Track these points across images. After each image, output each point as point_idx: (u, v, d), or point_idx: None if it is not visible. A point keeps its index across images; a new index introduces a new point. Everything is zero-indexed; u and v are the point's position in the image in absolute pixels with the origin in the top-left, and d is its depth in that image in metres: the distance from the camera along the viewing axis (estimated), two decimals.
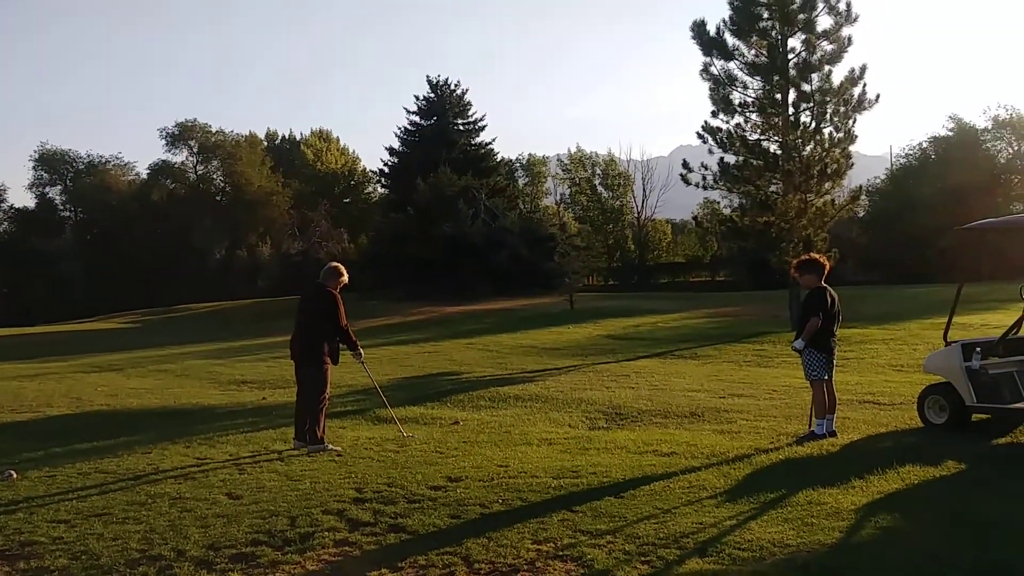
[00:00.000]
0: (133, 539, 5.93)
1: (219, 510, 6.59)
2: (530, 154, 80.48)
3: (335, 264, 9.64)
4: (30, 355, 26.42)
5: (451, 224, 43.03)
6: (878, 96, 20.87)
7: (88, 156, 75.50)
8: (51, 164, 74.51)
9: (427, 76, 57.28)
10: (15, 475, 8.17)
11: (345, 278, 9.42)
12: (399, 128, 58.05)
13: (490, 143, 58.45)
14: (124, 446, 9.67)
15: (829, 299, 8.50)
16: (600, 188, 74.79)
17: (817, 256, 9.05)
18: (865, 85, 20.82)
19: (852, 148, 21.52)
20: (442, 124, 56.15)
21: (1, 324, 48.85)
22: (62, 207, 76.58)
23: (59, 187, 75.78)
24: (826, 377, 8.50)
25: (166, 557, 5.53)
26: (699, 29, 21.48)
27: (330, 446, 8.89)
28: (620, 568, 4.98)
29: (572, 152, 77.18)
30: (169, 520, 6.37)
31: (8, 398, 14.80)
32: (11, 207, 75.84)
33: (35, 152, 74.48)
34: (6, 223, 75.83)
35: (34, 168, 74.29)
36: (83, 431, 10.96)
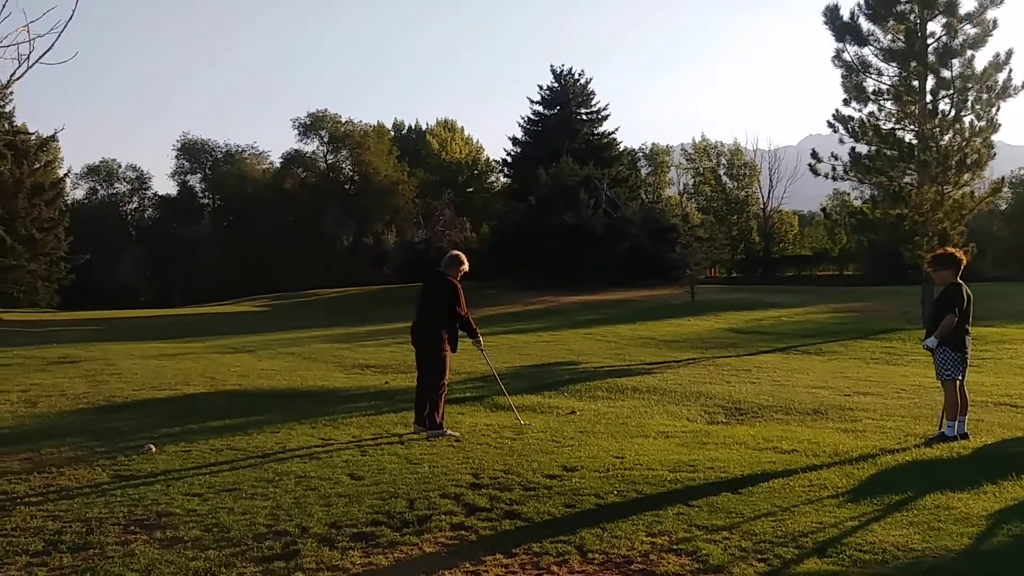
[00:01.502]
0: (260, 514, 6.15)
1: (341, 490, 6.77)
2: (653, 143, 79.77)
3: (456, 252, 9.76)
4: (170, 335, 27.66)
5: (572, 214, 43.01)
6: None
7: (226, 145, 79.01)
8: (192, 153, 78.03)
9: (551, 66, 57.44)
10: (154, 449, 8.58)
11: (466, 266, 9.53)
12: (522, 118, 58.39)
13: (612, 132, 58.21)
14: (254, 425, 10.02)
15: (965, 296, 8.17)
16: (725, 178, 73.43)
17: (953, 250, 8.71)
18: (1011, 71, 19.83)
19: (995, 137, 20.49)
20: (565, 114, 56.14)
21: (145, 305, 51.57)
22: (201, 194, 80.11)
23: (199, 175, 79.36)
24: (960, 377, 8.18)
25: (291, 533, 5.72)
26: (832, 14, 20.82)
27: (448, 431, 9.03)
28: (735, 564, 4.90)
29: (697, 141, 76.03)
30: (294, 497, 6.59)
31: (150, 376, 15.50)
32: (155, 194, 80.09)
33: (177, 141, 78.46)
34: (150, 209, 80.00)
35: (176, 157, 78.18)
36: (217, 409, 11.41)
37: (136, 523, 6.10)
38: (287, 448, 8.57)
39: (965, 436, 8.12)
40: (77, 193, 75.57)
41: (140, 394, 13.20)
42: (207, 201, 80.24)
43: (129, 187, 79.34)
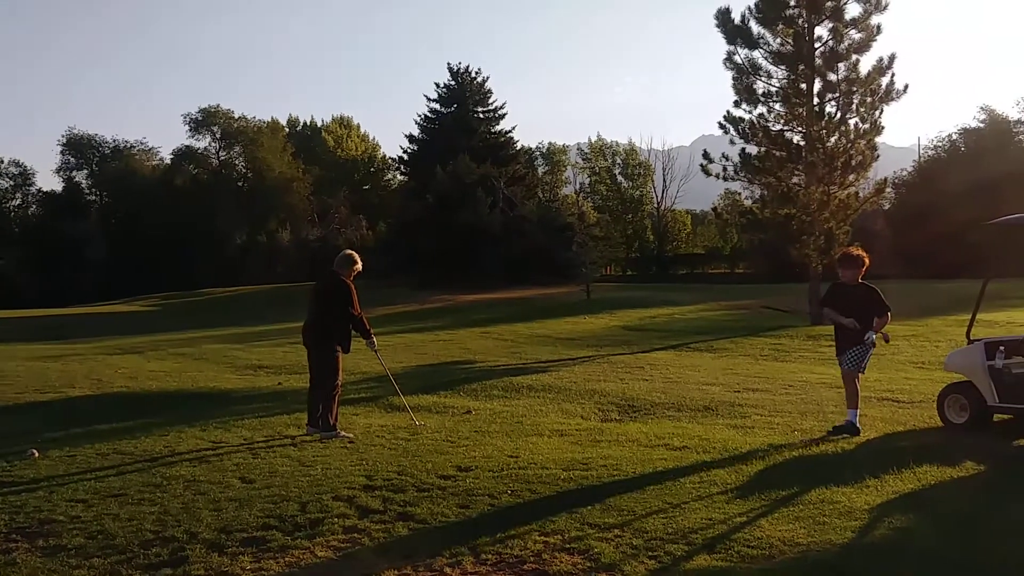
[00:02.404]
0: (148, 520, 6.01)
1: (232, 494, 6.64)
2: (550, 143, 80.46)
3: (349, 251, 9.63)
4: (55, 336, 26.66)
5: (469, 212, 43.03)
6: (906, 87, 20.48)
7: (114, 141, 76.35)
8: (78, 148, 75.19)
9: (448, 63, 57.38)
10: (36, 454, 8.30)
11: (359, 266, 9.41)
12: (419, 116, 58.23)
13: (510, 131, 58.47)
14: (142, 428, 9.75)
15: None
16: (620, 178, 74.54)
17: (861, 251, 8.85)
18: (893, 75, 20.42)
19: (878, 140, 21.15)
20: (462, 112, 56.18)
21: (29, 305, 49.42)
22: (88, 191, 77.29)
23: (85, 171, 76.53)
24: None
25: (179, 539, 5.60)
26: (724, 17, 21.20)
27: (342, 433, 8.91)
28: (627, 562, 4.96)
29: (592, 141, 76.97)
30: (183, 502, 6.45)
31: (33, 378, 14.94)
32: (39, 191, 76.87)
33: (63, 137, 75.41)
34: (34, 206, 76.73)
35: (62, 152, 75.22)
36: (103, 412, 11.07)
37: (17, 531, 5.94)
38: (176, 452, 8.36)
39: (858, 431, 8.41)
40: None
41: (23, 397, 12.79)
42: (94, 198, 77.38)
43: (12, 183, 75.92)
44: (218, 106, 74.01)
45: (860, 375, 8.50)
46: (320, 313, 9.25)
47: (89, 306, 47.80)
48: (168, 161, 75.83)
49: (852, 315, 8.40)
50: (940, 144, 51.43)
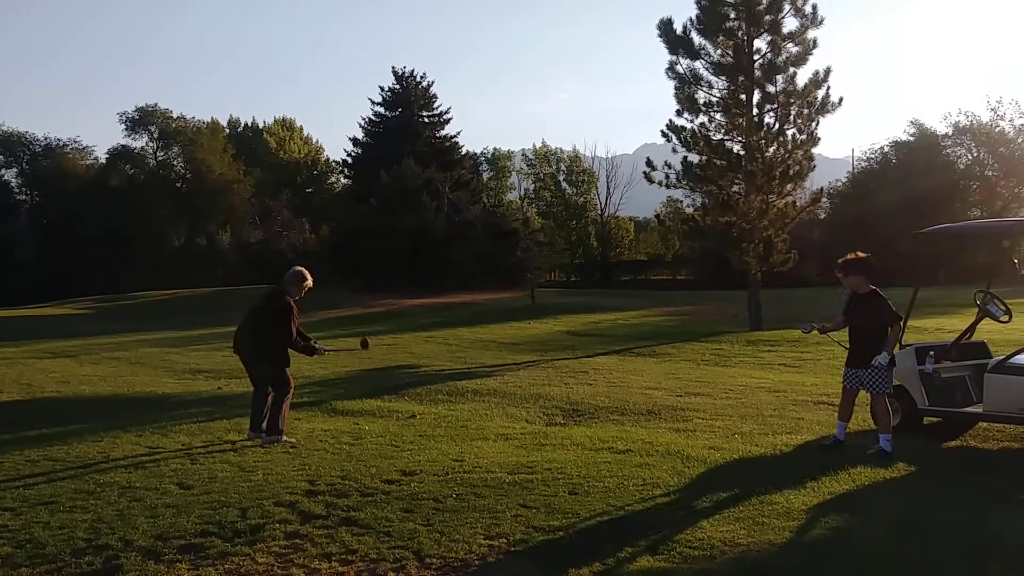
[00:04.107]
0: (80, 528, 5.86)
1: (169, 500, 6.51)
2: (495, 148, 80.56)
3: (299, 269, 9.14)
4: None
5: (414, 217, 42.84)
6: (841, 99, 20.96)
7: (46, 139, 74.24)
8: (7, 146, 73.10)
9: (392, 67, 57.11)
10: None
11: (309, 282, 9.01)
12: (363, 119, 57.90)
13: (455, 136, 58.44)
14: (74, 434, 9.51)
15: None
16: (564, 184, 74.80)
17: (864, 254, 8.02)
18: (829, 88, 20.88)
19: (814, 150, 21.61)
20: (407, 116, 56.00)
21: None
22: (17, 190, 75.13)
23: (15, 170, 74.40)
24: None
25: (113, 547, 5.46)
26: (666, 27, 21.46)
27: (284, 438, 8.79)
28: (571, 565, 4.97)
29: (537, 147, 77.14)
30: (118, 510, 6.30)
31: None
32: None
33: None
34: None
35: None
36: (33, 418, 10.78)
37: None
38: (110, 457, 8.18)
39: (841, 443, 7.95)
40: None
41: None
42: (24, 197, 75.32)
43: None
44: (156, 105, 72.72)
45: (882, 395, 7.75)
46: (253, 327, 8.95)
47: (18, 308, 46.58)
48: (103, 161, 74.15)
49: (863, 326, 7.83)
50: (873, 156, 52.71)
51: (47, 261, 65.31)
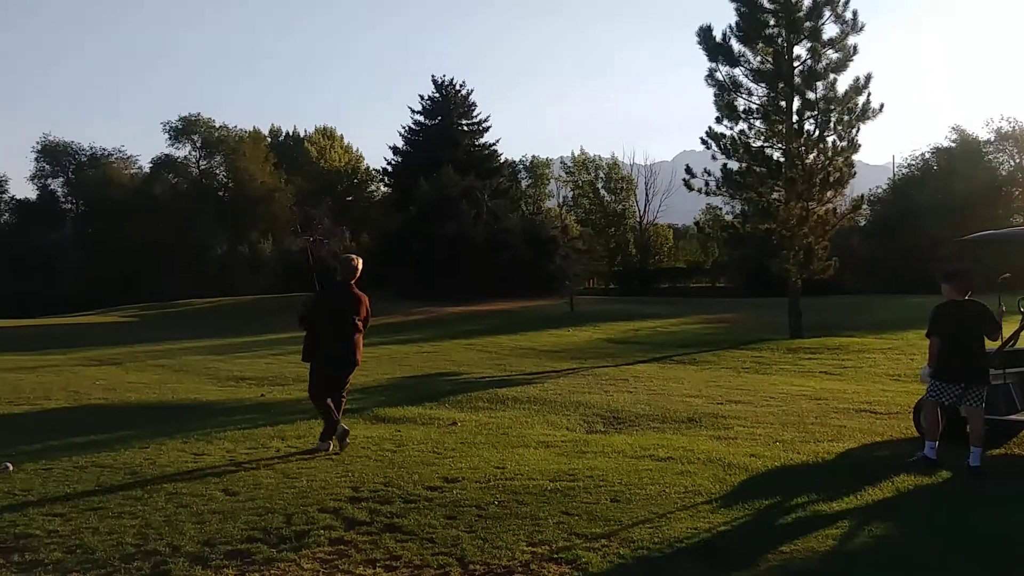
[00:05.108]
0: (128, 534, 5.93)
1: (215, 506, 6.58)
2: (534, 156, 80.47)
3: (348, 255, 9.37)
4: (28, 347, 26.37)
5: (453, 224, 43.04)
6: (882, 106, 20.76)
7: (91, 148, 75.72)
8: (54, 156, 74.55)
9: (432, 76, 57.43)
10: (11, 467, 8.14)
11: (359, 263, 9.26)
12: (403, 127, 58.29)
13: (494, 144, 58.65)
14: (121, 440, 9.63)
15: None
16: (603, 191, 74.68)
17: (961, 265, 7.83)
18: (869, 94, 20.69)
19: (855, 157, 21.39)
20: (446, 124, 56.28)
21: (2, 315, 48.83)
22: (63, 199, 76.54)
23: (61, 179, 75.87)
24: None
25: (161, 552, 5.53)
26: (705, 35, 21.40)
27: (329, 445, 8.87)
28: (614, 572, 5.00)
29: (576, 155, 77.10)
30: (165, 515, 6.37)
31: (6, 390, 14.75)
32: (12, 198, 75.96)
33: (38, 143, 74.73)
34: (7, 214, 75.86)
35: (36, 159, 74.51)
36: (80, 425, 10.94)
37: None
38: (157, 464, 8.27)
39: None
40: None
41: None
42: (70, 206, 76.70)
43: None
44: (199, 114, 73.84)
45: (933, 404, 7.74)
46: (343, 331, 8.97)
47: (64, 316, 47.39)
48: (147, 170, 75.34)
49: (961, 336, 7.71)
50: (913, 163, 51.94)
51: (92, 269, 66.38)
